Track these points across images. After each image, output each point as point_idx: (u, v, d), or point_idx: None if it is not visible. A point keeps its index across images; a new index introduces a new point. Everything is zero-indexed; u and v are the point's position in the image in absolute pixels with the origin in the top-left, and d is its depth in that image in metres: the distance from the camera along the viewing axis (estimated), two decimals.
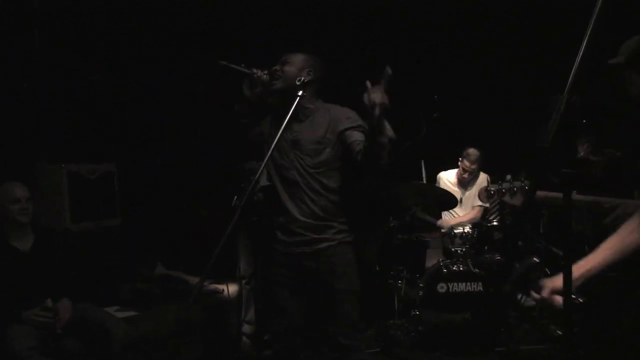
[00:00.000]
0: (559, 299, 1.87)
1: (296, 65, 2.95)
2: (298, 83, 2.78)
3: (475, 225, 4.97)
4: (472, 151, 5.32)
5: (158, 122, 5.48)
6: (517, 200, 2.64)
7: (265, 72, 2.95)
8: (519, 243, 5.00)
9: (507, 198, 2.74)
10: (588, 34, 1.35)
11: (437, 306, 4.59)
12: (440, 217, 5.67)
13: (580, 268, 1.90)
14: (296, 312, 3.09)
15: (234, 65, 2.90)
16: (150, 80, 5.26)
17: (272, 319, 3.22)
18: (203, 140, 5.27)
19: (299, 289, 3.07)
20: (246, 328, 4.52)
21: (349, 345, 3.05)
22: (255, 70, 2.93)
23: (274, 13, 5.45)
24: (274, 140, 2.57)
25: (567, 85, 1.30)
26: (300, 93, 2.72)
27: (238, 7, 5.45)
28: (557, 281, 1.84)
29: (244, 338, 4.50)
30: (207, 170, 5.26)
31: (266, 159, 2.53)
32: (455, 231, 5.01)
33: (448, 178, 5.60)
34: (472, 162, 5.32)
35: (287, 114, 2.64)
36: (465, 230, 4.95)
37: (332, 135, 2.98)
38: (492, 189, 2.73)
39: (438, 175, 5.65)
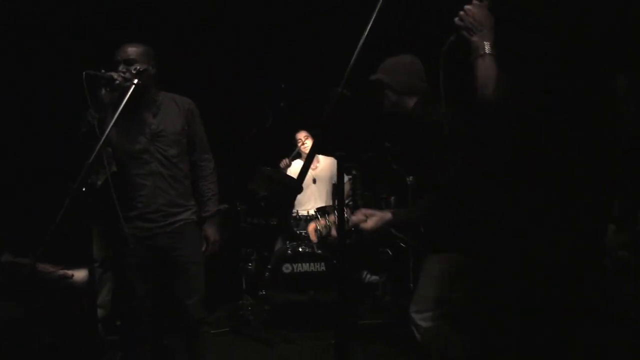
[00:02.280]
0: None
1: (142, 61, 3.00)
2: (134, 72, 2.85)
3: (319, 208, 5.22)
4: (305, 132, 5.63)
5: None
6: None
7: (121, 75, 2.93)
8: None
9: (332, 232, 2.91)
10: (365, 35, 1.55)
11: (283, 286, 4.82)
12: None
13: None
14: (147, 295, 3.17)
15: (97, 73, 2.82)
16: None
17: (124, 303, 3.28)
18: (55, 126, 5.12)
19: (151, 271, 3.16)
20: (99, 312, 4.49)
21: (200, 319, 3.25)
22: (116, 75, 2.90)
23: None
24: (108, 127, 2.59)
25: (343, 80, 1.50)
26: (135, 81, 2.77)
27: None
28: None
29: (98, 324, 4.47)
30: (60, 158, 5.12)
31: (100, 143, 2.54)
32: (300, 214, 5.25)
33: (297, 167, 5.77)
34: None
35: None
36: (310, 214, 5.20)
37: (188, 126, 3.22)
38: (319, 227, 2.90)
39: (289, 169, 5.77)
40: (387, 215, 2.67)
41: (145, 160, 3.10)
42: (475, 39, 1.96)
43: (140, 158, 3.11)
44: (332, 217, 2.76)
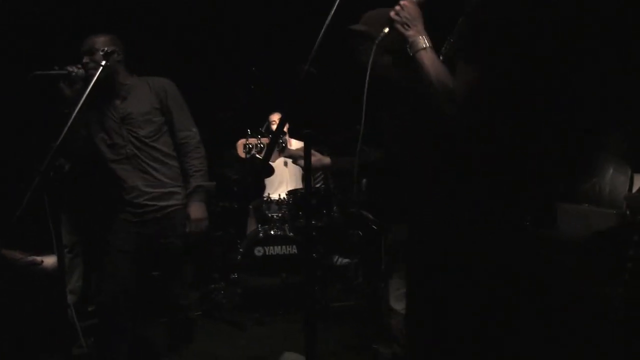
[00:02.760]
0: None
1: (106, 46, 2.96)
2: (102, 53, 2.82)
3: (291, 191, 5.23)
4: (279, 114, 5.57)
5: None
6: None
7: (79, 66, 2.95)
8: (334, 208, 5.32)
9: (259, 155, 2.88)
10: (333, 10, 1.54)
11: (255, 269, 4.81)
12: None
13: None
14: (131, 282, 3.13)
15: (48, 72, 2.85)
16: None
17: (104, 287, 3.21)
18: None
19: (138, 258, 3.14)
20: (70, 298, 4.45)
21: (186, 306, 3.27)
22: (70, 69, 2.91)
23: None
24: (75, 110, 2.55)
25: (310, 57, 1.50)
26: (103, 63, 2.75)
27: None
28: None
29: (68, 309, 4.43)
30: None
31: (70, 121, 2.50)
32: (272, 198, 5.25)
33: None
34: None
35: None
36: (282, 197, 5.20)
37: (160, 104, 3.14)
38: (251, 144, 2.85)
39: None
40: (326, 159, 2.93)
41: (119, 144, 3.09)
42: (411, 32, 1.94)
43: (114, 144, 3.10)
44: (266, 139, 2.74)
